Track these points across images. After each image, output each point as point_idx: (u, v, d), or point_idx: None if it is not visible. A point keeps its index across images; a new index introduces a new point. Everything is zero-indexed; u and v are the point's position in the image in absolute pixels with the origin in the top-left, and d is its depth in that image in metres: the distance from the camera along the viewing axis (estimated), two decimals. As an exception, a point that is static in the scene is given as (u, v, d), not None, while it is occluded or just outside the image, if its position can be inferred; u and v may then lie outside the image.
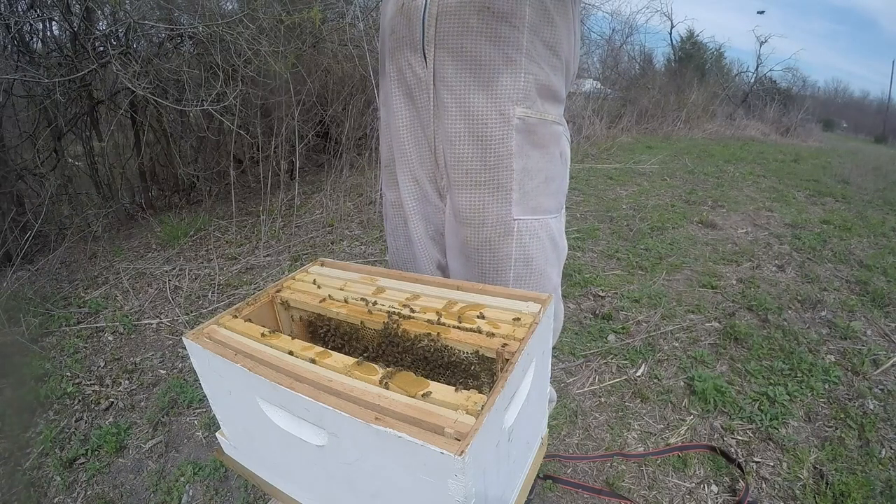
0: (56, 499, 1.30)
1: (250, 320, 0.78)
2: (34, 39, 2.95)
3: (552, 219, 0.93)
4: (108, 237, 2.99)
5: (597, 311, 2.16)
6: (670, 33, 13.48)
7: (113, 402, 1.64)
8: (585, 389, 1.67)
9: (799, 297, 2.31)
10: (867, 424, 1.47)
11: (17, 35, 2.70)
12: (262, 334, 0.72)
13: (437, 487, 0.50)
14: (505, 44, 0.78)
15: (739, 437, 1.45)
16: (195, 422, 1.55)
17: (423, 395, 0.56)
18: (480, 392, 0.57)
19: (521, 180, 0.85)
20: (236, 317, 0.78)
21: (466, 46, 0.78)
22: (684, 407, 1.58)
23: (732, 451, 1.39)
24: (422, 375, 0.61)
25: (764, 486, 1.30)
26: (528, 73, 0.80)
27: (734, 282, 2.50)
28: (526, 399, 0.66)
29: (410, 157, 0.93)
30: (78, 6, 2.71)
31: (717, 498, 1.26)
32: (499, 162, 0.84)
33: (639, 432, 1.49)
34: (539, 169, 0.86)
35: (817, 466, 1.34)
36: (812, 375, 1.70)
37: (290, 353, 0.67)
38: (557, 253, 0.96)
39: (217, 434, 0.83)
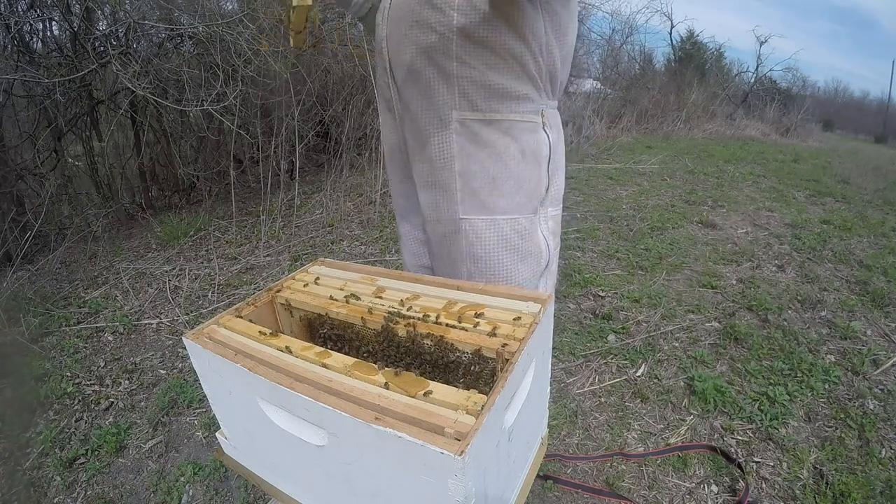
0: (56, 499, 1.30)
1: (250, 320, 0.78)
2: (34, 39, 2.95)
3: (508, 219, 0.89)
4: (108, 237, 2.99)
5: (597, 311, 2.16)
6: (670, 33, 13.51)
7: (113, 402, 1.64)
8: (585, 389, 1.67)
9: (799, 297, 2.31)
10: (867, 424, 1.47)
11: (17, 35, 2.70)
12: (262, 334, 0.72)
13: (437, 487, 0.50)
14: (435, 52, 0.80)
15: (739, 437, 1.45)
16: (195, 422, 1.55)
17: (423, 395, 0.56)
18: (480, 392, 0.57)
19: (466, 181, 0.87)
20: (236, 317, 0.78)
21: (405, 59, 0.84)
22: (684, 407, 1.58)
23: (732, 451, 1.39)
24: (422, 375, 0.61)
25: (764, 486, 1.30)
26: (462, 78, 0.81)
27: (734, 282, 2.50)
28: (526, 399, 0.66)
29: (395, 159, 1.00)
30: (78, 6, 2.71)
31: (717, 498, 1.26)
32: (443, 164, 0.87)
33: (639, 432, 1.49)
34: (484, 169, 0.86)
35: (817, 466, 1.34)
36: (812, 375, 1.70)
37: (290, 352, 0.67)
38: (520, 254, 0.92)
39: (217, 434, 0.83)
